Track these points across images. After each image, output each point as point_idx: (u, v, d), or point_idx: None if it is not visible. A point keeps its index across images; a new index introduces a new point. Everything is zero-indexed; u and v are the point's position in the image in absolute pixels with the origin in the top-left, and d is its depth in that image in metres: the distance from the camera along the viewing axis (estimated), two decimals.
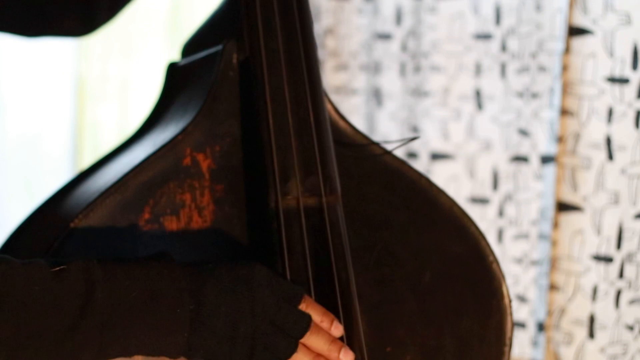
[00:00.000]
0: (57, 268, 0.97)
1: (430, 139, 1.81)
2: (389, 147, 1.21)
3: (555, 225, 1.63)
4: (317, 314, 1.07)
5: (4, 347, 0.94)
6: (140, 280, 1.00)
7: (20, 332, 0.94)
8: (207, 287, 1.02)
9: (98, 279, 0.98)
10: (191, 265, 1.04)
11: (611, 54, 1.53)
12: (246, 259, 1.08)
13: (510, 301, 1.22)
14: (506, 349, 1.22)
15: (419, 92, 1.82)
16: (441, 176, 1.79)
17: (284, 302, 1.05)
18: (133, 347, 0.99)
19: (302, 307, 1.06)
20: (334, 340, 1.07)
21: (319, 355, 1.06)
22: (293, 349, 1.05)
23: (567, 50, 1.59)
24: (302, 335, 1.05)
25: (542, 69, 1.65)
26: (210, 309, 1.01)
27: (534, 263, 1.67)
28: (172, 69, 1.28)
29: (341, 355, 1.07)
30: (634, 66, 1.51)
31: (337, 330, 1.08)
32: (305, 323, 1.05)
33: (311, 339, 1.06)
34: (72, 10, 1.37)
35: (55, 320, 0.95)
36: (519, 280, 1.69)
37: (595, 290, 1.58)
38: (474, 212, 1.72)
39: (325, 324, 1.08)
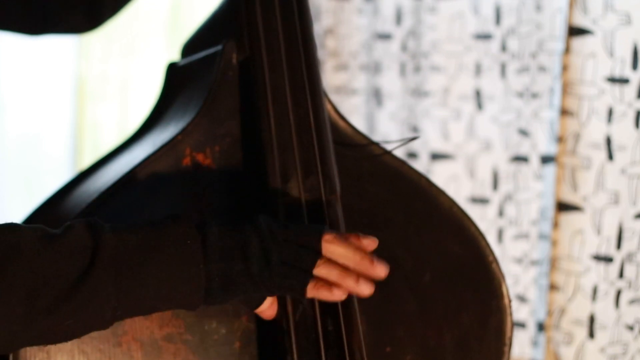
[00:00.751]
0: (62, 227, 0.98)
1: (430, 139, 1.81)
2: (389, 147, 1.21)
3: (555, 225, 1.63)
4: (346, 250, 1.04)
5: (21, 296, 0.94)
6: (144, 226, 1.00)
7: (36, 281, 0.94)
8: (209, 223, 1.01)
9: (103, 227, 0.98)
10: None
11: (611, 54, 1.53)
12: None
13: (510, 301, 1.22)
14: (506, 348, 1.22)
15: (419, 92, 1.82)
16: (441, 176, 1.79)
17: (294, 226, 1.03)
18: (150, 289, 0.98)
19: (327, 238, 1.04)
20: (360, 252, 1.04)
21: (345, 269, 1.03)
22: (315, 258, 1.02)
23: (567, 50, 1.59)
24: (319, 242, 1.03)
25: (542, 69, 1.65)
26: (216, 236, 1.00)
27: (534, 263, 1.67)
28: (172, 69, 1.28)
29: (374, 269, 1.04)
30: (634, 66, 1.51)
31: (368, 241, 1.05)
32: (318, 230, 1.03)
33: (333, 249, 1.03)
34: (78, 6, 1.36)
35: (68, 266, 0.96)
36: (519, 280, 1.69)
37: (595, 290, 1.58)
38: (474, 212, 1.72)
39: (352, 245, 1.04)
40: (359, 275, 1.04)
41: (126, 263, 0.97)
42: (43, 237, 0.97)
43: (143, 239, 0.98)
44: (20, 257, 0.95)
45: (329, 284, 1.03)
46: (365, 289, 1.05)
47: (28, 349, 1.03)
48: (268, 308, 1.08)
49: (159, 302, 0.99)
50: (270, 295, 1.06)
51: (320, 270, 1.03)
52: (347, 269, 1.04)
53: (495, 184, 1.73)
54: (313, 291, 1.03)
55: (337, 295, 1.04)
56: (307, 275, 1.02)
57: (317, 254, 1.03)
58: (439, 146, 1.80)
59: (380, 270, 1.05)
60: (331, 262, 1.03)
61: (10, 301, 0.94)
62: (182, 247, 0.99)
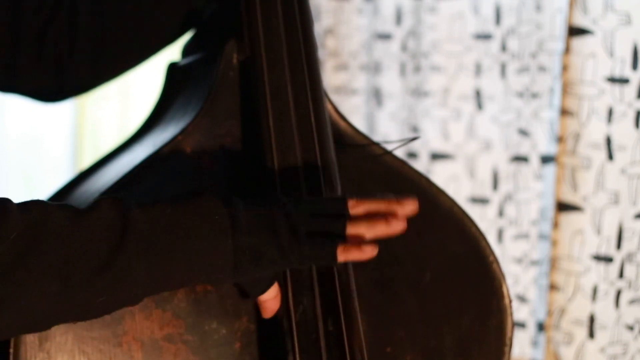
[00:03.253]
0: (90, 204, 0.98)
1: (430, 139, 1.81)
2: (389, 147, 1.22)
3: (555, 225, 1.63)
4: (372, 205, 1.06)
5: (54, 274, 0.94)
6: (170, 203, 1.00)
7: (67, 258, 0.94)
8: (234, 199, 1.02)
9: (130, 203, 0.98)
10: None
11: (611, 54, 1.53)
12: None
13: (510, 301, 1.22)
14: (506, 349, 1.22)
15: (419, 92, 1.82)
16: (441, 176, 1.79)
17: (318, 199, 1.05)
18: (180, 265, 0.98)
19: (352, 203, 1.05)
20: (385, 201, 1.06)
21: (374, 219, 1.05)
22: (343, 223, 1.03)
23: (567, 50, 1.59)
24: (346, 210, 1.04)
25: (542, 69, 1.65)
26: (242, 211, 1.00)
27: (534, 263, 1.67)
28: (172, 69, 1.28)
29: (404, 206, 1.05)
30: (634, 66, 1.51)
31: (407, 205, 1.06)
32: (342, 198, 1.04)
33: (359, 209, 1.05)
34: (48, 72, 1.27)
35: (98, 243, 0.96)
36: (519, 280, 1.69)
37: (595, 290, 1.58)
38: (474, 212, 1.72)
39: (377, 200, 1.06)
40: (388, 218, 1.05)
41: (155, 239, 0.97)
42: (71, 214, 0.96)
43: (171, 215, 0.98)
44: (50, 235, 0.94)
45: (358, 245, 1.03)
46: (398, 226, 1.05)
47: (28, 348, 1.03)
48: (273, 299, 1.08)
49: (188, 277, 0.99)
50: (300, 267, 1.06)
51: (349, 229, 1.03)
52: (373, 219, 1.05)
53: (495, 184, 1.73)
54: (343, 255, 1.03)
55: (368, 252, 1.04)
56: (335, 241, 1.03)
57: (344, 218, 1.03)
58: (439, 146, 1.80)
59: (410, 205, 1.06)
60: (357, 219, 1.04)
61: (44, 279, 0.94)
62: (210, 222, 0.99)
